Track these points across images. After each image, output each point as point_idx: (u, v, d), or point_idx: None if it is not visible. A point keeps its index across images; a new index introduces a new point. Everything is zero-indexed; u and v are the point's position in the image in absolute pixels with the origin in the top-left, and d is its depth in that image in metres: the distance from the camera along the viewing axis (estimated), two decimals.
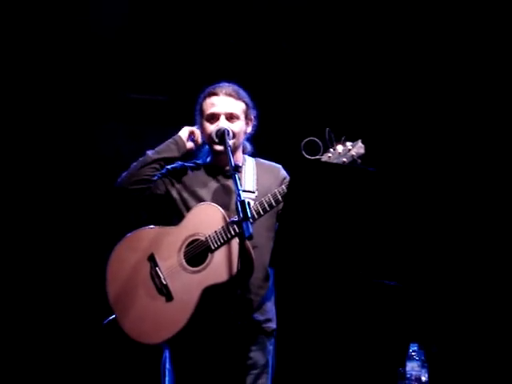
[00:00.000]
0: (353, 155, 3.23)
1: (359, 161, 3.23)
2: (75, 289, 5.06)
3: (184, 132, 3.64)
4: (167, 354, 3.56)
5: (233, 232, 3.36)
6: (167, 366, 3.55)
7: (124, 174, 3.57)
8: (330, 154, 3.25)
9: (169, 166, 3.65)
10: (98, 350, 4.96)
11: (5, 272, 5.05)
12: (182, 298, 3.38)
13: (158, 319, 3.41)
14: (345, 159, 3.23)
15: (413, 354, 3.64)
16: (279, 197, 3.35)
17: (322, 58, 5.13)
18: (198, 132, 3.64)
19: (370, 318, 5.04)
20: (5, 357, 5.01)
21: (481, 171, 4.97)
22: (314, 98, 5.12)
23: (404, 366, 3.64)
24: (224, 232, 3.38)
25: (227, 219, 3.39)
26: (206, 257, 3.39)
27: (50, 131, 5.15)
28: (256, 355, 3.50)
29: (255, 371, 3.49)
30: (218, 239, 3.39)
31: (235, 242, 3.32)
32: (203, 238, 3.41)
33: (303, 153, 3.14)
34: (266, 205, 3.37)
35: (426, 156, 4.94)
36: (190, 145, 3.64)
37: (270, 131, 4.85)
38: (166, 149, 3.59)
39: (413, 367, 3.65)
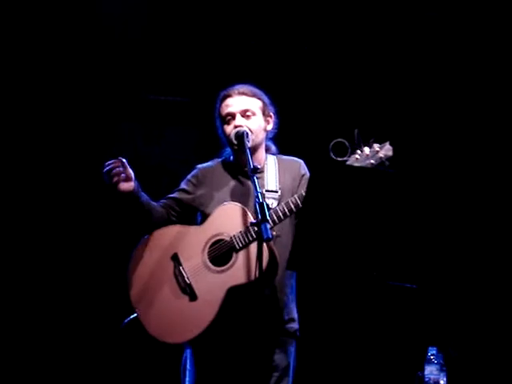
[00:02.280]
0: (381, 157, 3.20)
1: (387, 163, 3.20)
2: (97, 288, 5.07)
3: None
4: (188, 354, 3.54)
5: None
6: (188, 366, 3.54)
7: None
8: (357, 156, 3.23)
9: (189, 176, 3.64)
10: (116, 348, 4.96)
11: (24, 274, 5.07)
12: (206, 298, 3.37)
13: (181, 319, 3.40)
14: (373, 161, 3.20)
15: (431, 357, 3.63)
16: None
17: (351, 60, 5.13)
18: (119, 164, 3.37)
19: (388, 321, 5.02)
20: (23, 359, 5.03)
21: (504, 174, 4.96)
22: (344, 99, 5.12)
23: (423, 370, 3.63)
24: (249, 232, 3.37)
25: (252, 219, 3.37)
26: (231, 257, 3.38)
27: (68, 132, 5.15)
28: (278, 357, 3.49)
29: (277, 374, 3.48)
30: (243, 239, 3.38)
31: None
32: (228, 238, 3.40)
33: (331, 154, 3.14)
34: (293, 205, 3.35)
35: (451, 159, 4.93)
36: (128, 186, 3.40)
37: (297, 132, 4.87)
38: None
39: (431, 371, 3.66)
